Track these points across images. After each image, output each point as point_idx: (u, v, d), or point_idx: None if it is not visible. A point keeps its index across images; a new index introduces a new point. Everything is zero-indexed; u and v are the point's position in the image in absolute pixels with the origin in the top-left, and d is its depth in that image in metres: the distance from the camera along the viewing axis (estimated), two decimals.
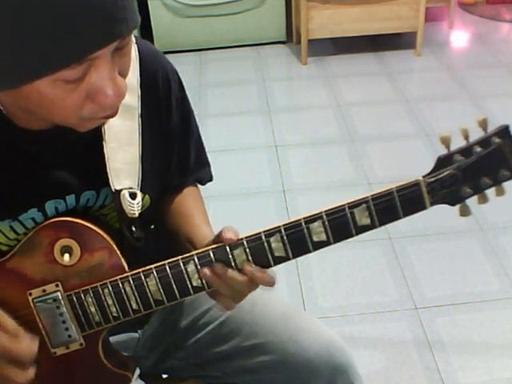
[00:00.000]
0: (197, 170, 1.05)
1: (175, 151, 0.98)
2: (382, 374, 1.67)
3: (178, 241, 0.97)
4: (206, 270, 0.81)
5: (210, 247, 0.81)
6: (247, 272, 0.80)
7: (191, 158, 1.03)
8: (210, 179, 1.08)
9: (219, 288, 0.82)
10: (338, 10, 3.24)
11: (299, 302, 1.91)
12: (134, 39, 0.88)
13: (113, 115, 0.74)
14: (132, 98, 0.86)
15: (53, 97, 0.67)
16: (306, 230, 0.78)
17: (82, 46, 0.63)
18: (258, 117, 2.95)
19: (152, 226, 1.05)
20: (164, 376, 1.13)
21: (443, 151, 0.76)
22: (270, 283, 0.82)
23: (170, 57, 0.96)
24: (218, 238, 0.82)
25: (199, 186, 1.08)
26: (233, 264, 0.81)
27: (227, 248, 0.80)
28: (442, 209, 0.80)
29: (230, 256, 0.80)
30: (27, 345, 0.80)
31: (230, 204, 2.36)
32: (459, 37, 3.73)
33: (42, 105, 0.69)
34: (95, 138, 0.82)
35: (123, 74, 0.72)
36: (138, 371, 0.98)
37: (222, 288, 0.82)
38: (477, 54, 3.45)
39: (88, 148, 0.83)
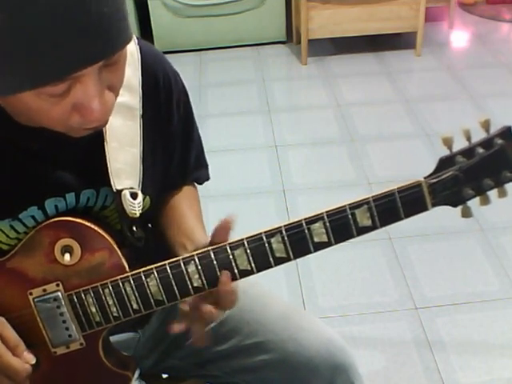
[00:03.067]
0: (195, 170, 1.06)
1: (176, 153, 0.99)
2: (382, 374, 1.67)
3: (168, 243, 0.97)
4: (186, 306, 0.83)
5: (210, 247, 0.81)
6: (223, 280, 0.80)
7: (191, 159, 1.03)
8: (207, 179, 1.09)
9: (191, 325, 0.84)
10: (338, 9, 3.24)
11: (299, 301, 1.91)
12: (135, 40, 0.88)
13: (102, 126, 0.75)
14: (133, 99, 0.86)
15: (38, 108, 0.68)
16: (307, 231, 0.78)
17: (62, 66, 0.63)
18: (258, 117, 2.95)
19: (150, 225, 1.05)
20: (164, 376, 1.13)
21: (443, 151, 0.76)
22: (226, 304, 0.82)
23: (169, 57, 0.96)
24: (214, 237, 0.82)
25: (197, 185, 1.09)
26: (233, 264, 0.81)
27: (228, 248, 0.80)
28: (443, 209, 0.80)
29: (231, 256, 0.80)
30: (24, 361, 0.80)
31: (230, 204, 2.35)
32: (459, 37, 3.73)
33: (28, 113, 0.71)
34: (97, 138, 0.82)
35: (114, 88, 0.72)
36: (138, 371, 0.98)
37: (194, 325, 0.84)
38: (477, 54, 3.44)
39: (89, 147, 0.83)
